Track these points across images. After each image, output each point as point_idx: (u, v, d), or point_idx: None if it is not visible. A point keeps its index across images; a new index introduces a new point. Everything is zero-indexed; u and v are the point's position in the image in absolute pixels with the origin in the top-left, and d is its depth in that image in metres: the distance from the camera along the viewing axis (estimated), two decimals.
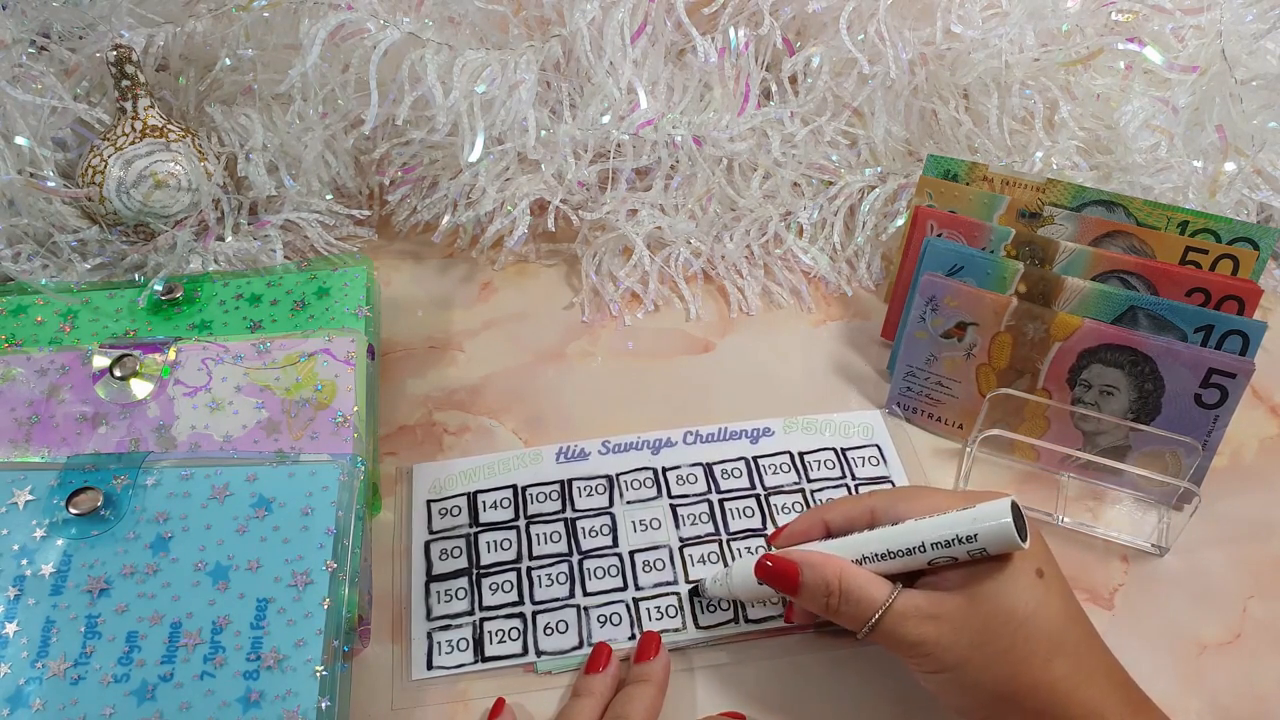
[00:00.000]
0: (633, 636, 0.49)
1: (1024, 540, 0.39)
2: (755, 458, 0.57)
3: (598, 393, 0.62)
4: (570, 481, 0.56)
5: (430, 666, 0.48)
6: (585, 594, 0.50)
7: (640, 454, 0.57)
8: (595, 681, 0.45)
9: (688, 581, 0.51)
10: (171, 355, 0.50)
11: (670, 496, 0.55)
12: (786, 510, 0.55)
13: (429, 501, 0.55)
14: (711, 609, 0.50)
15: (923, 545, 0.41)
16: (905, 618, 0.40)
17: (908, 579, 0.42)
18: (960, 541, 0.40)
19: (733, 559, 0.52)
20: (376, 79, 0.62)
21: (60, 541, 0.43)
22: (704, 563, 0.52)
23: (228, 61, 0.66)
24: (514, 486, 0.55)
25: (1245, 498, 0.56)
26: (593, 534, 0.53)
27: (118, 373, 0.49)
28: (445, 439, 0.59)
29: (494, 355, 0.64)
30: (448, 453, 0.58)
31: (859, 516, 0.44)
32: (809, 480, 0.56)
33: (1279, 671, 0.49)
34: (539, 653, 0.48)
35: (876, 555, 0.42)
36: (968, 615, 0.40)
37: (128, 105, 0.63)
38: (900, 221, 0.69)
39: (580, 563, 0.52)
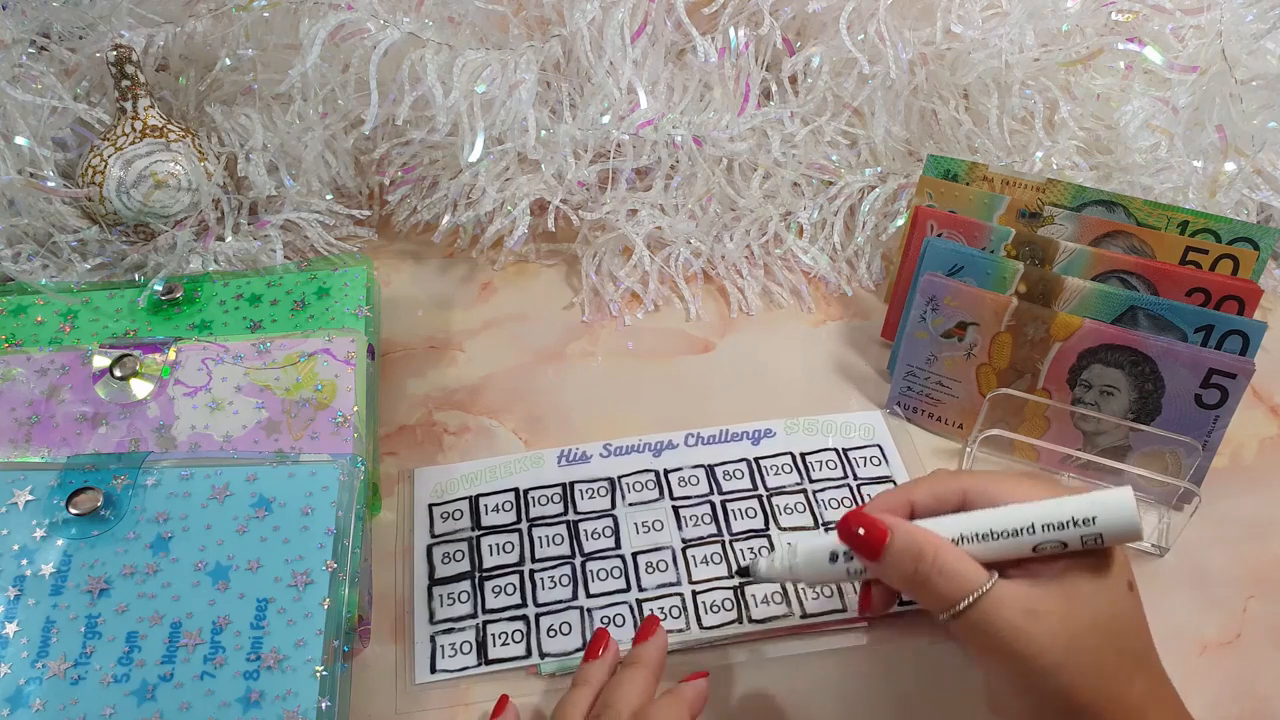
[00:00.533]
0: None
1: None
2: (757, 459, 0.57)
3: (598, 393, 0.62)
4: (572, 484, 0.56)
5: (434, 670, 0.48)
6: (588, 595, 0.50)
7: (642, 456, 0.57)
8: (593, 669, 0.45)
9: (691, 581, 0.51)
10: (171, 355, 0.50)
11: (672, 498, 0.55)
12: (789, 511, 0.54)
13: (431, 505, 0.55)
14: (715, 609, 0.50)
15: (1032, 527, 0.37)
16: (1003, 605, 0.37)
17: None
18: (1076, 524, 0.37)
19: (736, 560, 0.52)
20: (376, 79, 0.62)
21: (60, 541, 0.43)
22: (707, 563, 0.52)
23: (228, 61, 0.66)
24: (516, 490, 0.55)
25: (1245, 498, 0.57)
26: (595, 536, 0.53)
27: (118, 373, 0.49)
28: (445, 439, 0.59)
29: (494, 355, 0.64)
30: (448, 453, 0.58)
31: (949, 496, 0.41)
32: (811, 481, 0.56)
33: (1279, 671, 0.49)
34: (542, 655, 0.48)
35: (978, 535, 0.38)
36: (1068, 616, 0.37)
37: (128, 105, 0.62)
38: (900, 221, 0.69)
39: (583, 565, 0.52)
